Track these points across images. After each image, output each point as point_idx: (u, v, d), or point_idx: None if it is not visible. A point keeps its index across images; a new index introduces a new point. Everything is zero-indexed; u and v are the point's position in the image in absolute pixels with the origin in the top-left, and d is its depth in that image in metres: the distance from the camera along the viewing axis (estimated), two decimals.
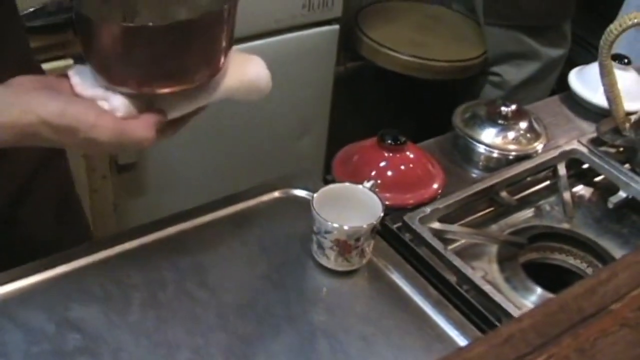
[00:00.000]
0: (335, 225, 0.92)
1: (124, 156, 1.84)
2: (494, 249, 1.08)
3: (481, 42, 2.27)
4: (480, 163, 1.22)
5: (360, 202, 0.98)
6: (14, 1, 0.95)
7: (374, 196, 0.97)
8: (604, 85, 1.24)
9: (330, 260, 0.96)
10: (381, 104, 2.56)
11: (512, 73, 2.22)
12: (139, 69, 0.78)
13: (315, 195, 0.96)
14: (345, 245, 0.93)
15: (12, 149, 0.79)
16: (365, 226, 0.93)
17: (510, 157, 1.21)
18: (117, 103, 0.78)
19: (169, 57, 0.78)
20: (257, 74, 0.86)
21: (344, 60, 2.45)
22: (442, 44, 2.29)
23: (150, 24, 0.84)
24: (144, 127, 0.79)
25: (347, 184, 1.00)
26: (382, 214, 0.95)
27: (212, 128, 1.89)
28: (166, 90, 0.79)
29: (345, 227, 0.93)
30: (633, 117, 1.28)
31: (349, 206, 0.98)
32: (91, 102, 0.78)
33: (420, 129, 1.28)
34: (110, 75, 0.79)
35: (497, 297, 0.94)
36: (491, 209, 1.15)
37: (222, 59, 0.82)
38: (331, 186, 1.00)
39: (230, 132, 1.98)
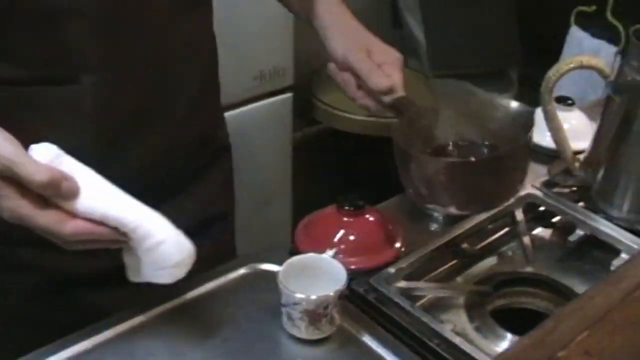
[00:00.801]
0: (302, 296, 0.95)
1: None
2: (461, 300, 1.10)
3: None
4: (440, 217, 1.24)
5: (324, 270, 1.00)
6: None
7: (337, 263, 1.00)
8: (549, 129, 1.28)
9: (301, 330, 0.98)
10: (342, 166, 2.59)
11: None
12: (458, 195, 0.93)
13: (280, 268, 0.98)
14: (315, 315, 0.95)
15: None
16: (332, 294, 0.96)
17: None
18: None
19: (484, 184, 0.84)
20: None
21: (301, 125, 2.49)
22: None
23: (472, 158, 0.99)
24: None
25: (310, 254, 1.03)
26: (346, 280, 0.97)
27: None
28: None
29: (313, 297, 0.95)
30: (582, 156, 1.32)
31: (315, 276, 1.00)
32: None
33: (382, 187, 1.31)
34: (430, 198, 0.97)
35: (468, 348, 0.96)
36: (455, 261, 1.17)
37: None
38: (295, 258, 1.02)
39: None
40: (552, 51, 2.19)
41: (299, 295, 0.95)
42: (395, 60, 1.12)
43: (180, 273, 0.91)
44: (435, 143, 1.07)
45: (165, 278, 0.91)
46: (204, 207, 1.19)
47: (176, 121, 1.09)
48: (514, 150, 0.90)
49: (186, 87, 1.09)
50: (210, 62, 1.18)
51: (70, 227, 0.85)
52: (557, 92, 1.44)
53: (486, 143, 1.07)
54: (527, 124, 1.01)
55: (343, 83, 1.15)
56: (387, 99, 1.08)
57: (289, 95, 2.12)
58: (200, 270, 1.03)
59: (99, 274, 1.08)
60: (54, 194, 0.84)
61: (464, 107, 1.09)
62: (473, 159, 0.98)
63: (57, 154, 0.86)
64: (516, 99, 2.28)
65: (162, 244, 0.88)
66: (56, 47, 0.96)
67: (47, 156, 0.85)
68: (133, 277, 0.93)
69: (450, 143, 1.07)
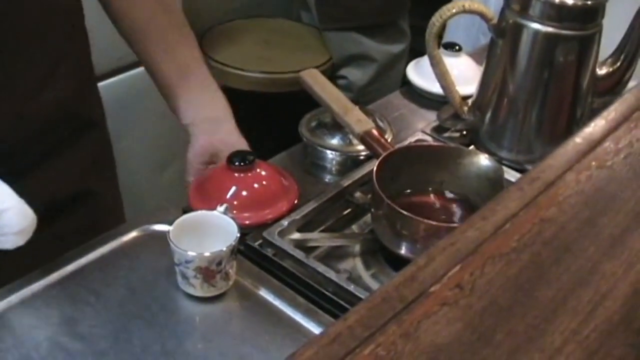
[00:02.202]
0: (194, 253, 0.94)
1: None
2: (357, 248, 1.11)
3: (327, 49, 2.32)
4: (333, 168, 1.25)
5: (217, 227, 1.00)
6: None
7: (228, 219, 0.99)
8: (436, 75, 1.30)
9: (197, 288, 0.97)
10: (239, 124, 2.57)
11: (358, 74, 2.28)
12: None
13: (171, 227, 0.97)
14: (208, 272, 0.95)
15: None
16: (224, 249, 0.95)
17: (361, 158, 1.25)
18: None
19: None
20: None
21: None
22: (289, 56, 2.32)
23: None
24: None
25: (200, 212, 1.02)
26: (238, 235, 0.97)
27: None
28: None
29: (205, 254, 0.94)
30: (470, 100, 1.34)
31: (207, 233, 1.00)
32: None
33: (279, 144, 1.31)
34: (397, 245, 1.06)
35: (363, 295, 0.97)
36: (348, 210, 1.18)
37: None
38: (186, 216, 1.01)
39: None
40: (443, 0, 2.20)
41: (190, 253, 0.94)
42: None
43: (22, 240, 0.92)
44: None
45: (7, 244, 0.92)
46: (68, 184, 1.15)
47: (25, 95, 1.04)
48: None
49: (37, 60, 1.04)
50: (72, 31, 1.12)
51: None
52: (449, 39, 1.47)
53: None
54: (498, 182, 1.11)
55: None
56: None
57: None
58: (65, 249, 1.04)
59: None
60: None
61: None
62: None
63: None
64: (413, 47, 2.33)
65: (5, 211, 0.89)
66: None
67: None
68: None
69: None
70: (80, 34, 1.13)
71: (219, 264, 0.95)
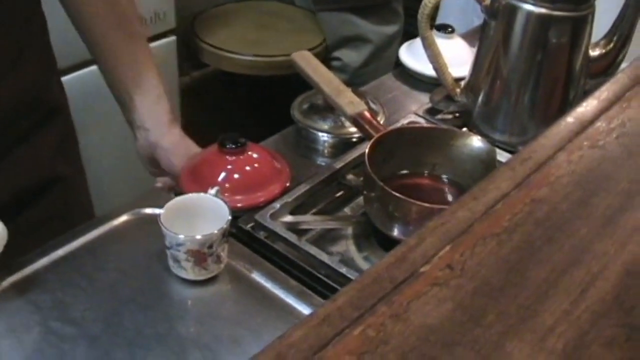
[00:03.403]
0: (184, 236, 0.94)
1: None
2: (349, 230, 1.11)
3: (320, 31, 2.31)
4: (325, 150, 1.25)
5: (208, 210, 0.99)
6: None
7: (220, 201, 0.99)
8: (428, 56, 1.29)
9: (188, 271, 0.97)
10: (233, 108, 2.57)
11: (352, 55, 2.27)
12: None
13: (162, 210, 0.97)
14: (200, 254, 0.95)
15: None
16: (215, 232, 0.95)
17: (353, 140, 1.24)
18: None
19: None
20: None
21: (188, 70, 2.45)
22: (282, 38, 2.31)
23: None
24: None
25: (192, 194, 1.02)
26: (230, 217, 0.96)
27: None
28: None
29: (197, 237, 0.94)
30: (463, 82, 1.33)
31: (199, 216, 0.99)
32: None
33: (274, 126, 1.30)
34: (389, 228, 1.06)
35: (355, 277, 0.97)
36: (341, 192, 1.18)
37: None
38: (177, 199, 1.00)
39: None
40: None
41: (181, 236, 0.94)
42: None
43: None
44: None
45: None
46: (35, 171, 1.13)
47: None
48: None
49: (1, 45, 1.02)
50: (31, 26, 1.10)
51: None
52: (442, 21, 1.46)
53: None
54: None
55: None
56: None
57: (172, 38, 2.07)
58: (35, 238, 1.03)
59: None
60: None
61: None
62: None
63: None
64: (407, 28, 2.32)
65: None
66: None
67: None
68: None
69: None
70: (39, 19, 1.12)
71: (210, 247, 0.95)
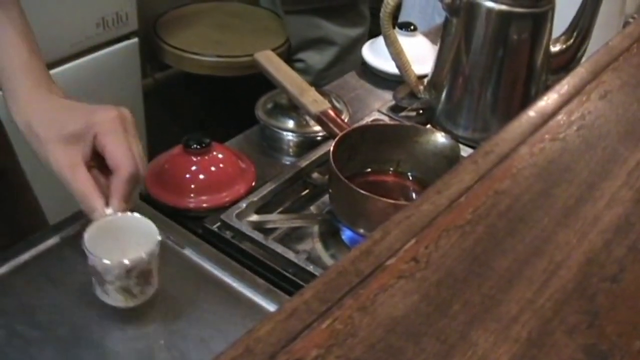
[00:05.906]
0: (109, 262, 0.87)
1: None
2: (315, 229, 1.11)
3: (283, 32, 2.31)
4: (290, 149, 1.25)
5: (135, 230, 0.93)
6: None
7: (147, 221, 0.93)
8: (391, 54, 1.30)
9: (111, 297, 0.92)
10: (196, 109, 2.57)
11: (316, 58, 2.27)
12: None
13: (86, 235, 0.90)
14: (126, 280, 0.89)
15: None
16: (144, 256, 0.88)
17: (318, 139, 1.24)
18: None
19: None
20: None
21: (151, 71, 2.44)
22: (245, 39, 2.32)
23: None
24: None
25: (118, 215, 0.93)
26: (158, 240, 0.90)
27: None
28: None
29: (125, 261, 0.87)
30: (426, 80, 1.34)
31: (128, 237, 0.92)
32: None
33: (239, 127, 1.30)
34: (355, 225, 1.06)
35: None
36: (306, 191, 1.18)
37: None
38: (103, 220, 0.92)
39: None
40: None
41: (105, 261, 0.87)
42: None
43: None
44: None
45: None
46: None
47: None
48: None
49: None
50: None
51: None
52: (404, 19, 1.47)
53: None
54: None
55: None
56: None
57: (134, 40, 2.07)
58: None
59: None
60: None
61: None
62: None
63: None
64: (372, 30, 2.33)
65: None
66: None
67: None
68: None
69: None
70: None
71: (141, 270, 0.89)
